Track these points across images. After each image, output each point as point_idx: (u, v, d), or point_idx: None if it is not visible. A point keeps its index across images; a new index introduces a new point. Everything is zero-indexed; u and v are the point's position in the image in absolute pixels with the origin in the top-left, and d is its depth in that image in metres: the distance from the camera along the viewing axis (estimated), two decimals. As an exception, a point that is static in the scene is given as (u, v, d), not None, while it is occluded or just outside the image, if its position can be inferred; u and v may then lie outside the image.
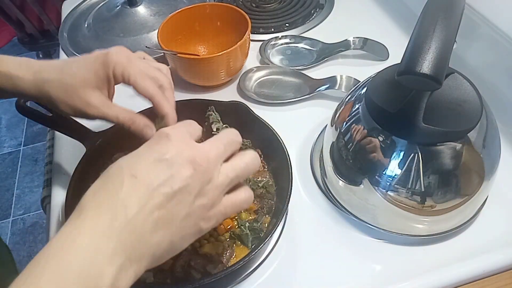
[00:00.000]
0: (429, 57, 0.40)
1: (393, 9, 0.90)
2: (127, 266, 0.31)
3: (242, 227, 0.54)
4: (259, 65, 0.80)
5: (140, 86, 0.47)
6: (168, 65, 0.74)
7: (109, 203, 0.32)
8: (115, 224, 0.31)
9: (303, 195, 0.60)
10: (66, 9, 0.97)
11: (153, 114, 0.48)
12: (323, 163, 0.61)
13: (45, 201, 0.67)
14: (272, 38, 0.84)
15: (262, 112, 0.63)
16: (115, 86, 0.50)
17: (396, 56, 0.77)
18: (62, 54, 0.86)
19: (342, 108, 0.57)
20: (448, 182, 0.48)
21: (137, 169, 0.34)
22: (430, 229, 0.53)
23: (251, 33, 0.74)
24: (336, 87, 0.71)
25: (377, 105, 0.49)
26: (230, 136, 0.39)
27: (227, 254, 0.52)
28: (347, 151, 0.53)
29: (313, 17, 0.91)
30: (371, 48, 0.79)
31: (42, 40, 1.81)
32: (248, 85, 0.75)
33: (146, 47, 0.76)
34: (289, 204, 0.51)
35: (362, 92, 0.53)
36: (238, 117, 0.62)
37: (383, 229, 0.54)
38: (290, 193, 0.52)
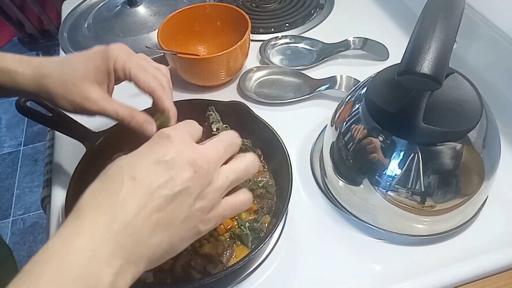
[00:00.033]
0: (429, 57, 0.40)
1: (393, 9, 0.90)
2: (126, 268, 0.31)
3: (242, 227, 0.54)
4: (259, 65, 0.80)
5: (141, 80, 0.46)
6: (168, 65, 0.74)
7: (108, 204, 0.32)
8: (114, 225, 0.31)
9: (303, 195, 0.60)
10: (66, 9, 0.97)
11: (153, 114, 0.48)
12: (323, 163, 0.61)
13: (45, 201, 0.67)
14: (272, 38, 0.84)
15: (262, 112, 0.63)
16: (115, 86, 0.49)
17: (396, 56, 0.77)
18: (62, 54, 0.86)
19: (342, 108, 0.57)
20: (448, 182, 0.48)
21: (137, 170, 0.33)
22: (430, 229, 0.53)
23: (251, 33, 0.74)
24: (336, 87, 0.71)
25: (377, 105, 0.49)
26: (230, 138, 0.39)
27: (227, 254, 0.52)
28: (347, 151, 0.53)
29: (313, 17, 0.91)
30: (371, 48, 0.79)
31: (42, 40, 1.81)
32: (248, 85, 0.75)
33: (146, 47, 0.76)
34: (289, 204, 0.51)
35: (362, 92, 0.53)
36: (238, 117, 0.62)
37: (383, 229, 0.54)
38: (290, 193, 0.52)
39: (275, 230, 0.50)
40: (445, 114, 0.47)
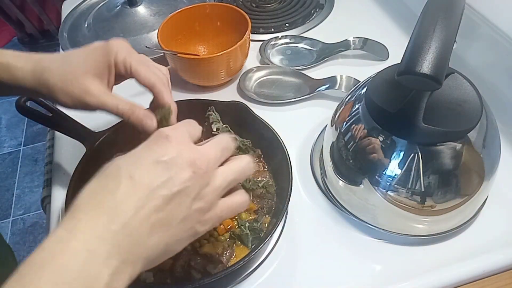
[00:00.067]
0: (429, 57, 0.40)
1: (393, 9, 0.90)
2: (122, 268, 0.31)
3: (242, 227, 0.54)
4: (259, 65, 0.80)
5: (142, 75, 0.46)
6: (168, 65, 0.74)
7: (105, 204, 0.32)
8: (111, 226, 0.31)
9: (303, 195, 0.60)
10: (66, 9, 0.97)
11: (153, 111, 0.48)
12: (323, 163, 0.61)
13: (45, 201, 0.67)
14: (272, 38, 0.84)
15: (262, 112, 0.63)
16: (114, 87, 0.49)
17: (396, 56, 0.77)
18: (62, 54, 0.86)
19: (342, 108, 0.57)
20: (448, 182, 0.48)
21: (135, 170, 0.33)
22: (430, 229, 0.53)
23: (251, 33, 0.74)
24: (336, 87, 0.71)
25: (377, 105, 0.49)
26: (226, 141, 0.39)
27: (227, 254, 0.52)
28: (347, 151, 0.53)
29: (313, 17, 0.91)
30: (371, 48, 0.79)
31: (42, 40, 1.82)
32: (248, 85, 0.75)
33: (146, 47, 0.76)
34: (289, 204, 0.51)
35: (362, 92, 0.53)
36: (238, 117, 0.62)
37: (383, 229, 0.54)
38: (290, 193, 0.52)
39: (275, 230, 0.50)
40: (445, 114, 0.47)
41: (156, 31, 0.75)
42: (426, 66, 0.40)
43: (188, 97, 0.69)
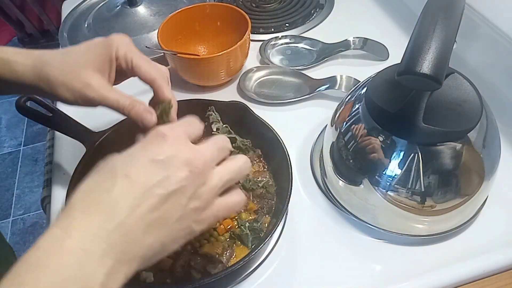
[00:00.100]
0: (429, 57, 0.40)
1: (393, 9, 0.90)
2: (118, 268, 0.31)
3: (242, 227, 0.54)
4: (259, 65, 0.80)
5: (142, 68, 0.46)
6: (168, 65, 0.74)
7: (101, 203, 0.31)
8: (106, 225, 0.31)
9: (303, 195, 0.60)
10: (66, 9, 0.97)
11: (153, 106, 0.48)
12: (323, 163, 0.61)
13: (45, 201, 0.67)
14: (272, 38, 0.84)
15: (262, 112, 0.63)
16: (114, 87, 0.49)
17: (396, 56, 0.77)
18: (62, 54, 0.86)
19: (342, 108, 0.57)
20: (448, 182, 0.48)
21: (131, 168, 0.33)
22: (430, 229, 0.53)
23: (251, 33, 0.74)
24: (336, 87, 0.71)
25: (377, 105, 0.49)
26: (222, 141, 0.39)
27: (227, 254, 0.52)
28: (347, 151, 0.53)
29: (313, 17, 0.91)
30: (371, 48, 0.79)
31: (42, 40, 1.82)
32: (248, 85, 0.75)
33: (146, 47, 0.75)
34: (289, 204, 0.51)
35: (362, 92, 0.53)
36: (238, 117, 0.62)
37: (383, 229, 0.54)
38: (290, 193, 0.52)
39: (275, 230, 0.50)
40: (445, 114, 0.47)
41: (156, 31, 0.75)
42: (426, 66, 0.40)
43: (188, 97, 0.69)
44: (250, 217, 0.55)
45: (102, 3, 0.95)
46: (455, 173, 0.48)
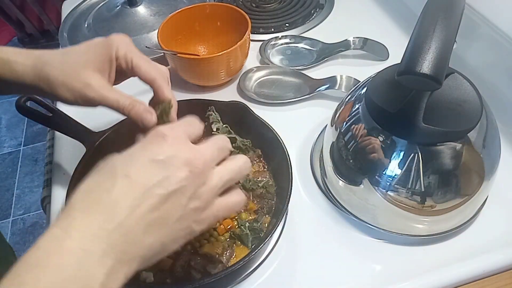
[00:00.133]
0: (429, 57, 0.40)
1: (393, 9, 0.90)
2: (118, 268, 0.31)
3: (242, 227, 0.54)
4: (259, 65, 0.80)
5: (142, 68, 0.46)
6: (168, 65, 0.74)
7: (100, 203, 0.31)
8: (106, 225, 0.31)
9: (303, 195, 0.60)
10: (66, 9, 0.97)
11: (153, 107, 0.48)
12: (323, 163, 0.61)
13: (45, 201, 0.67)
14: (272, 38, 0.84)
15: (262, 112, 0.63)
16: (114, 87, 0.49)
17: (396, 56, 0.77)
18: (62, 54, 0.86)
19: (342, 108, 0.57)
20: (448, 182, 0.48)
21: (131, 168, 0.33)
22: (430, 229, 0.53)
23: (251, 33, 0.74)
24: (336, 87, 0.71)
25: (377, 105, 0.49)
26: (222, 141, 0.39)
27: (227, 254, 0.52)
28: (347, 151, 0.53)
29: (313, 17, 0.91)
30: (371, 48, 0.79)
31: (42, 40, 1.82)
32: (248, 85, 0.75)
33: (146, 47, 0.75)
34: (289, 204, 0.51)
35: (362, 92, 0.53)
36: (238, 117, 0.62)
37: (383, 229, 0.54)
38: (290, 193, 0.52)
39: (275, 230, 0.50)
40: (445, 114, 0.47)
41: (156, 31, 0.75)
42: (426, 66, 0.40)
43: (188, 97, 0.69)
44: (250, 217, 0.55)
45: (102, 3, 0.95)
46: (455, 173, 0.48)
